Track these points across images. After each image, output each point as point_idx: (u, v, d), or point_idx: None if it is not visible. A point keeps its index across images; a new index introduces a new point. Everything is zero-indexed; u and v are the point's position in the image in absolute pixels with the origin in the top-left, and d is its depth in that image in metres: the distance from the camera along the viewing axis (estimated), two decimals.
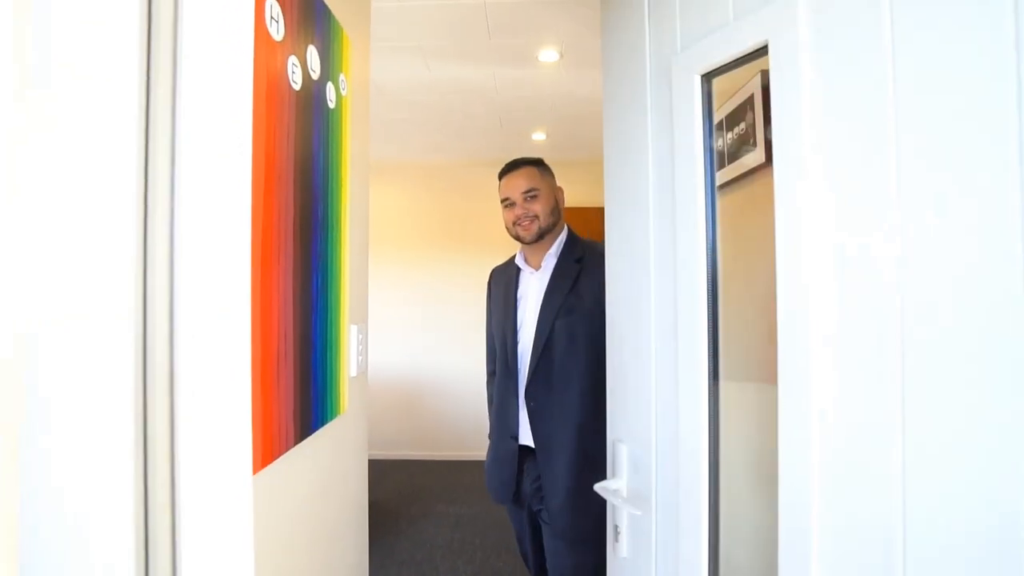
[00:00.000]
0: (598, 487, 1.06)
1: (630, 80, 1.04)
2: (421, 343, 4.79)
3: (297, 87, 0.95)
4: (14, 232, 0.46)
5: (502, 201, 1.67)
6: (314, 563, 1.09)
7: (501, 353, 1.69)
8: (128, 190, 0.54)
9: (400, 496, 3.94)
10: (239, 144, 0.63)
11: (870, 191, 0.63)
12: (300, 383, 0.97)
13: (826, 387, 0.66)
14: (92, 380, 0.51)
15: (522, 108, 3.47)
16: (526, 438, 1.61)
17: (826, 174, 0.67)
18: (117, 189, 0.54)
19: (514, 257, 1.79)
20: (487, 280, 1.88)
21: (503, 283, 1.76)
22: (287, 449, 0.93)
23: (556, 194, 1.68)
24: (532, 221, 1.61)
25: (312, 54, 1.02)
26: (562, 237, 1.69)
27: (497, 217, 4.69)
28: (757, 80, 2.09)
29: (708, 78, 0.88)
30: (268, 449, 0.85)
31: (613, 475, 1.07)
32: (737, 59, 0.80)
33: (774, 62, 0.72)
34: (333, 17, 1.13)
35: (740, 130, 2.20)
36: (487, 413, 1.77)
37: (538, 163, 1.69)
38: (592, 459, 1.48)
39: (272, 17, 0.85)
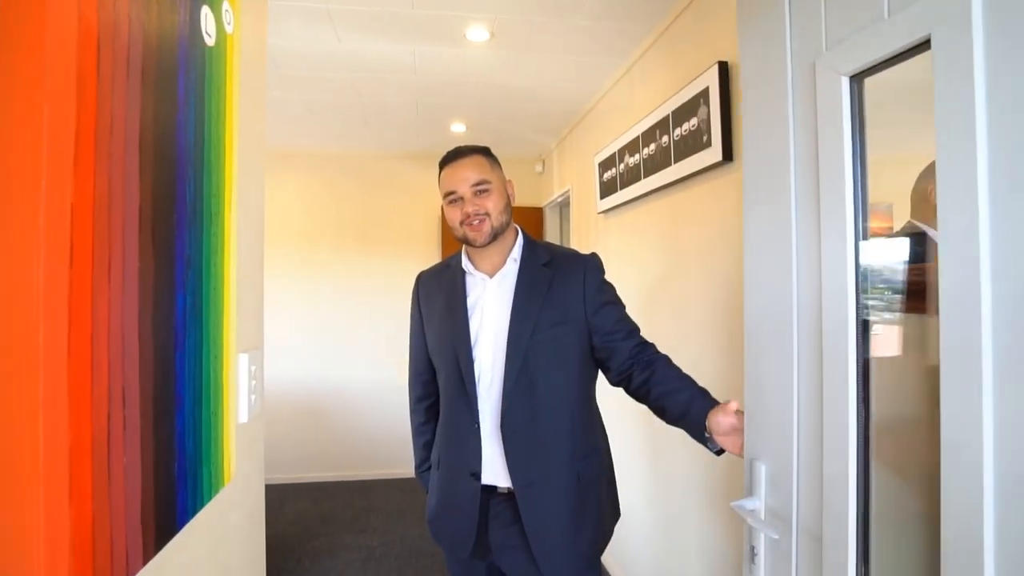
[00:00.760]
0: (734, 505, 1.02)
1: (769, 81, 1.00)
2: (325, 352, 4.31)
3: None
4: None
5: (445, 196, 1.37)
6: None
7: (450, 374, 1.38)
8: None
9: (301, 527, 3.48)
10: None
11: None
12: (155, 461, 0.62)
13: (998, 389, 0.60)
14: None
15: (443, 94, 3.15)
16: (493, 477, 1.33)
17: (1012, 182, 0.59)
18: None
19: (450, 260, 1.49)
20: (413, 286, 1.56)
21: (441, 290, 1.45)
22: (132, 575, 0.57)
23: (508, 188, 1.41)
24: (483, 220, 1.32)
25: None
26: (519, 239, 1.43)
27: (409, 215, 4.41)
28: (713, 72, 1.92)
29: (857, 79, 0.81)
30: None
31: (750, 494, 1.03)
32: (890, 57, 0.75)
33: (938, 58, 0.66)
34: None
35: (691, 126, 2.03)
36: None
37: (486, 152, 1.41)
38: (585, 484, 1.34)
39: None
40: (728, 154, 1.78)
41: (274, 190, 4.18)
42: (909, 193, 0.88)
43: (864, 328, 0.82)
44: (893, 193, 0.90)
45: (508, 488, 1.32)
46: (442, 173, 1.38)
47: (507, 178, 1.42)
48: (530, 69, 2.77)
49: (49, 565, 0.44)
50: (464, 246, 1.42)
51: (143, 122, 0.59)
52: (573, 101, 3.22)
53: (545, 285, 1.34)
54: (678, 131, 2.08)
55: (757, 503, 1.01)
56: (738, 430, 1.09)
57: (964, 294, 0.62)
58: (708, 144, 1.87)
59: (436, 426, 1.50)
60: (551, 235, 4.36)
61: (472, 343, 1.35)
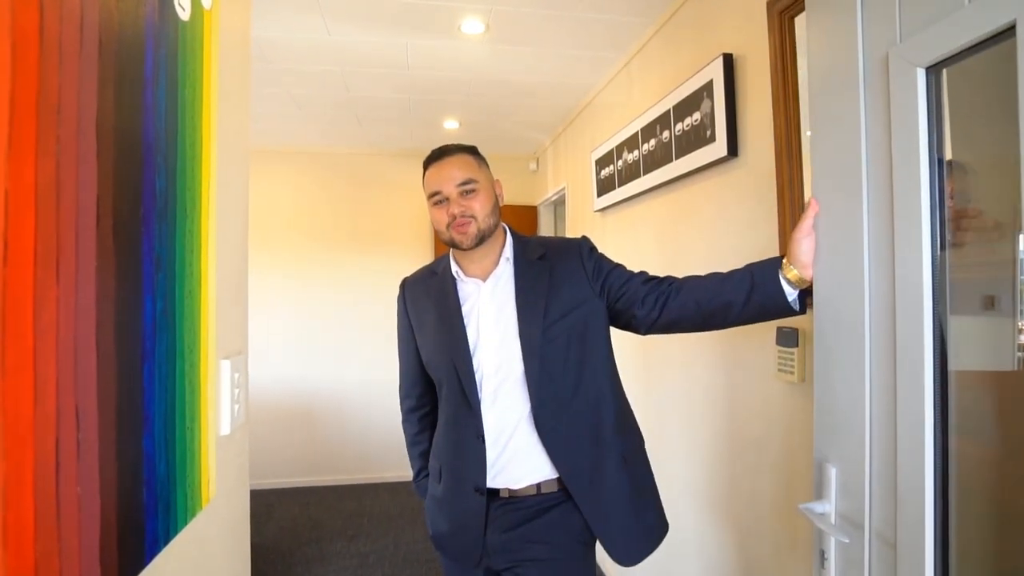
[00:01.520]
0: (802, 508, 0.99)
1: (838, 75, 0.97)
2: (315, 353, 4.22)
3: None
4: None
5: (430, 196, 1.30)
6: None
7: (451, 386, 1.31)
8: None
9: (291, 534, 3.39)
10: None
11: None
12: (119, 490, 0.54)
13: None
14: None
15: (436, 89, 3.07)
16: (502, 481, 1.28)
17: None
18: None
19: (435, 265, 1.41)
20: (398, 293, 1.47)
21: (431, 299, 1.37)
22: None
23: (496, 189, 1.34)
24: (469, 222, 1.25)
25: None
26: (508, 238, 1.37)
27: (401, 214, 4.33)
28: (717, 64, 1.86)
29: (934, 71, 0.78)
30: None
31: (819, 497, 1.01)
32: (970, 47, 0.72)
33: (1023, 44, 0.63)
34: None
35: (694, 120, 1.97)
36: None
37: (473, 151, 1.35)
38: (632, 464, 1.32)
39: None
40: (733, 149, 1.72)
41: (262, 188, 4.09)
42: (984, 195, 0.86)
43: (941, 335, 0.79)
44: (977, 194, 0.87)
45: (510, 492, 1.27)
46: (426, 173, 1.31)
47: (495, 178, 1.36)
48: (525, 64, 2.70)
49: None
50: (451, 250, 1.35)
51: (101, 102, 0.52)
52: (569, 96, 3.16)
53: (545, 278, 1.28)
54: (680, 126, 2.02)
55: (827, 506, 0.99)
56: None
57: None
58: (712, 139, 1.81)
59: (432, 435, 1.43)
60: (545, 234, 4.30)
61: (472, 353, 1.28)
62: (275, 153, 4.17)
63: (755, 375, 1.63)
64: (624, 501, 1.28)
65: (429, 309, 1.37)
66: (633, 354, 2.41)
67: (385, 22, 2.29)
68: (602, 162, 2.82)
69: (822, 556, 1.01)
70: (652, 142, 2.25)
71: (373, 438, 4.21)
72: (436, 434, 1.40)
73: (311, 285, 4.22)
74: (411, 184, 4.32)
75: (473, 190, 1.27)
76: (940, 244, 0.80)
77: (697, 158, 1.90)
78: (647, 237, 2.42)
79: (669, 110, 2.08)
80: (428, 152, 1.36)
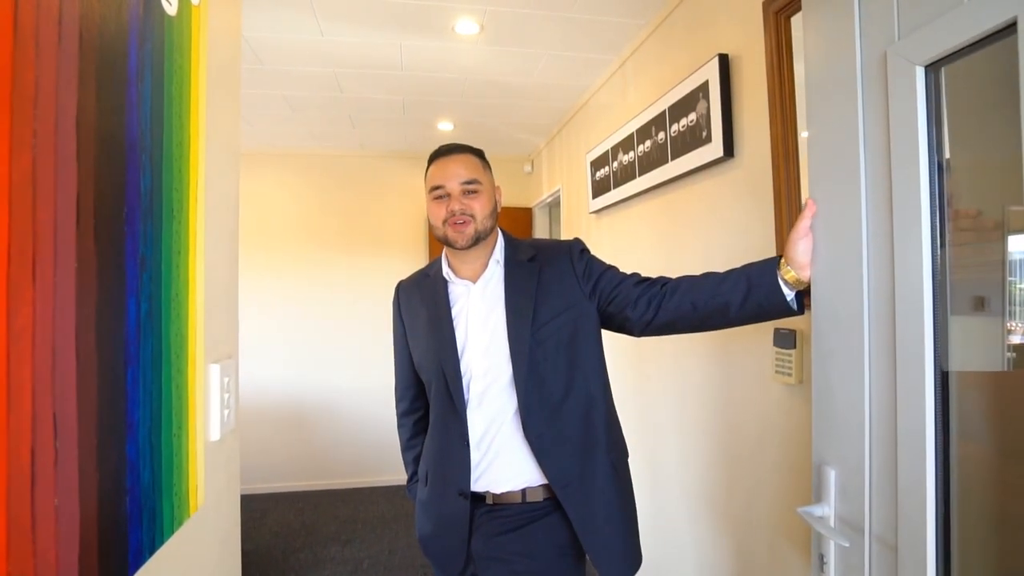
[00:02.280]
0: (800, 512, 0.97)
1: (835, 74, 0.96)
2: (308, 356, 4.18)
3: None
4: None
5: (431, 191, 1.28)
6: None
7: (438, 388, 1.30)
8: None
9: (284, 540, 3.35)
10: None
11: None
12: (100, 500, 0.52)
13: None
14: None
15: (430, 91, 3.05)
16: (485, 485, 1.27)
17: None
18: None
19: (429, 268, 1.41)
20: (393, 297, 1.47)
21: (423, 302, 1.36)
22: None
23: (496, 195, 1.34)
24: (467, 221, 1.24)
25: None
26: (500, 241, 1.36)
27: (394, 216, 4.30)
28: (713, 65, 1.85)
29: (933, 69, 0.78)
30: None
31: (818, 500, 1.00)
32: (969, 45, 0.72)
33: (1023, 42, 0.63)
34: None
35: (690, 121, 1.96)
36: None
37: (479, 154, 1.35)
38: (621, 473, 1.31)
39: None
40: (729, 150, 1.71)
41: (255, 190, 4.06)
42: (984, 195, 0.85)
43: (942, 335, 0.78)
44: (973, 194, 0.86)
45: (493, 498, 1.26)
46: (431, 167, 1.30)
47: (496, 184, 1.35)
48: (520, 65, 2.69)
49: None
50: (444, 252, 1.35)
51: (82, 97, 0.50)
52: (564, 98, 3.15)
53: (535, 280, 1.27)
54: (675, 127, 2.01)
55: (826, 509, 0.98)
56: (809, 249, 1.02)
57: None
58: (708, 140, 1.80)
59: (425, 439, 1.41)
60: (540, 236, 4.28)
61: (459, 355, 1.27)
62: (268, 155, 4.14)
63: (752, 377, 1.62)
64: (614, 511, 1.25)
65: (421, 311, 1.37)
66: (627, 356, 2.40)
67: (378, 22, 2.27)
68: (597, 163, 2.81)
69: (821, 560, 0.99)
70: (647, 143, 2.24)
71: (367, 442, 4.18)
72: (426, 437, 1.39)
73: (304, 288, 4.19)
74: (405, 186, 4.30)
75: (476, 191, 1.26)
76: (940, 244, 0.79)
77: (693, 159, 1.89)
78: (643, 239, 2.41)
79: (665, 111, 2.08)
80: (424, 154, 1.36)
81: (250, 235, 3.89)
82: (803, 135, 1.38)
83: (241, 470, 1.10)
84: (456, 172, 1.26)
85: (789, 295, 1.06)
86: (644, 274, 1.29)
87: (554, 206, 4.03)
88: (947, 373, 0.80)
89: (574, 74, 2.81)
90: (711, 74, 1.76)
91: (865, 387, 0.90)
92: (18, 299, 0.42)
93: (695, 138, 1.87)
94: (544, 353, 1.24)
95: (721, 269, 1.18)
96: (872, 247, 0.89)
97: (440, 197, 1.27)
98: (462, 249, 1.27)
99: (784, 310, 1.08)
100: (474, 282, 1.31)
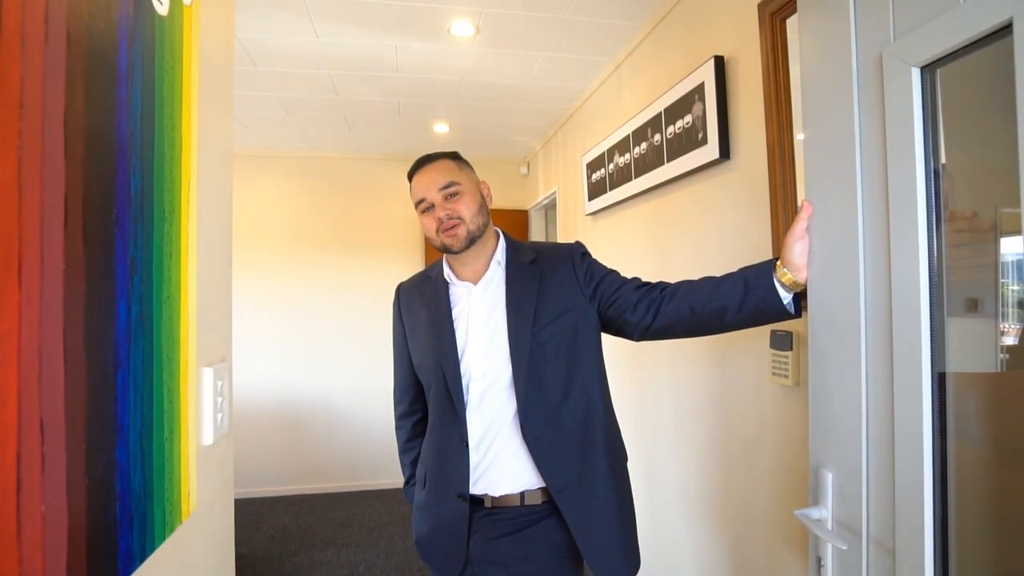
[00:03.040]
0: (798, 514, 0.97)
1: (831, 76, 0.96)
2: (304, 360, 4.16)
3: None
4: None
5: (417, 205, 1.30)
6: None
7: (438, 390, 1.30)
8: None
9: (280, 544, 3.33)
10: None
11: None
12: (88, 507, 0.52)
13: None
14: None
15: (426, 93, 3.05)
16: (483, 487, 1.26)
17: None
18: None
19: (430, 270, 1.41)
20: (393, 299, 1.47)
21: (424, 303, 1.36)
22: None
23: (481, 190, 1.33)
24: (457, 224, 1.24)
25: None
26: (502, 242, 1.36)
27: (390, 219, 4.29)
28: (708, 67, 1.85)
29: (929, 70, 0.78)
30: None
31: (815, 502, 1.00)
32: (965, 46, 0.72)
33: (1020, 44, 0.63)
34: None
35: (686, 123, 1.96)
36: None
37: (454, 156, 1.35)
38: (620, 476, 1.30)
39: None
40: (725, 151, 1.72)
41: (250, 192, 4.04)
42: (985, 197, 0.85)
43: (939, 337, 0.78)
44: (968, 196, 0.86)
45: (492, 501, 1.25)
46: (411, 184, 1.32)
47: (481, 180, 1.35)
48: (516, 67, 2.69)
49: None
50: (444, 255, 1.34)
51: (69, 97, 0.49)
52: (560, 100, 3.15)
53: (536, 281, 1.27)
54: (671, 129, 2.01)
55: (823, 512, 0.97)
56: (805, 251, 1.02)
57: None
58: (704, 141, 1.80)
59: (423, 442, 1.41)
60: (536, 238, 4.28)
61: (459, 356, 1.26)
62: (262, 157, 4.13)
63: (749, 379, 1.61)
64: (612, 514, 1.25)
65: (421, 313, 1.36)
66: (625, 358, 2.40)
67: (374, 24, 2.27)
68: (593, 165, 2.81)
69: (819, 563, 0.99)
70: (643, 145, 2.24)
71: (363, 445, 4.16)
72: (425, 439, 1.38)
73: (299, 290, 4.17)
74: (401, 188, 4.27)
75: (456, 193, 1.26)
76: (936, 245, 0.79)
77: (689, 161, 1.89)
78: (639, 240, 2.41)
79: (660, 113, 2.08)
80: (419, 155, 1.36)
81: (244, 237, 3.88)
82: (799, 137, 1.38)
83: (236, 474, 1.09)
84: (433, 180, 1.26)
85: (786, 298, 1.06)
86: (642, 277, 1.29)
87: (550, 208, 4.03)
88: (944, 375, 0.79)
89: (570, 76, 2.81)
90: (707, 76, 1.76)
91: (862, 389, 0.90)
92: (3, 302, 0.41)
93: (691, 140, 1.88)
94: (544, 355, 1.23)
95: (718, 271, 1.18)
96: (868, 249, 0.89)
97: (426, 209, 1.28)
98: (460, 252, 1.27)
99: (781, 313, 1.08)
100: (475, 284, 1.31)
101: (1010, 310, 0.82)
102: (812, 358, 1.02)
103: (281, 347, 4.12)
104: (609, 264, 1.34)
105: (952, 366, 0.80)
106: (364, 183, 4.28)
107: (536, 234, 4.30)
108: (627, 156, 2.40)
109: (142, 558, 0.63)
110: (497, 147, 4.08)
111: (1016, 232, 0.77)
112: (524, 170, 4.39)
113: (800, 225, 1.02)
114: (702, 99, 1.80)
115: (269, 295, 4.10)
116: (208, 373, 0.89)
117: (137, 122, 0.62)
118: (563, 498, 1.21)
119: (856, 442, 0.91)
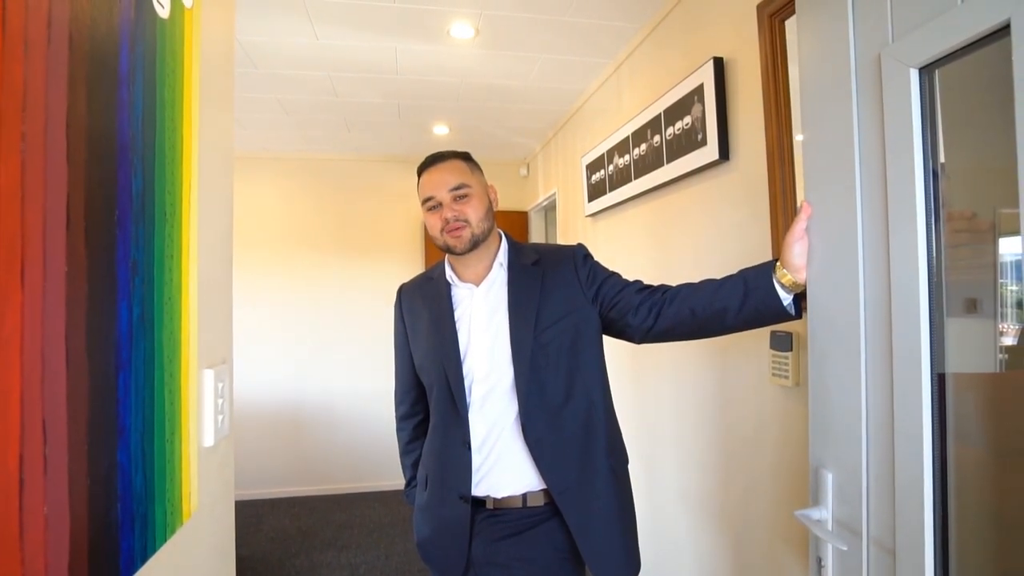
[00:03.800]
0: (798, 515, 0.97)
1: (829, 77, 0.96)
2: (304, 361, 4.16)
3: None
4: None
5: (424, 203, 1.29)
6: None
7: (440, 391, 1.29)
8: None
9: (281, 545, 3.33)
10: None
11: None
12: (90, 507, 0.52)
13: None
14: None
15: (426, 94, 3.05)
16: (485, 489, 1.26)
17: None
18: None
19: (432, 271, 1.41)
20: (395, 300, 1.46)
21: (426, 304, 1.36)
22: None
23: (489, 193, 1.34)
24: (463, 227, 1.24)
25: None
26: (504, 243, 1.36)
27: (390, 220, 4.30)
28: (708, 69, 1.86)
29: (927, 71, 0.78)
30: None
31: (815, 503, 1.00)
32: (963, 47, 0.72)
33: (1019, 45, 0.63)
34: None
35: (685, 124, 1.96)
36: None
37: (466, 157, 1.34)
38: (621, 478, 1.30)
39: None
40: (724, 152, 1.72)
41: (250, 194, 4.04)
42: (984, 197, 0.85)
43: (938, 337, 0.78)
44: (967, 196, 0.86)
45: (494, 503, 1.25)
46: (420, 180, 1.31)
47: (489, 183, 1.35)
48: (515, 68, 2.70)
49: None
50: (447, 255, 1.34)
51: (72, 99, 0.49)
52: (560, 101, 3.15)
53: (538, 283, 1.27)
54: (671, 130, 2.01)
55: (824, 512, 0.97)
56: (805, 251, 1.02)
57: None
58: (703, 143, 1.80)
59: (424, 443, 1.40)
60: (536, 240, 4.28)
61: (462, 358, 1.26)
62: (263, 159, 4.13)
63: (749, 379, 1.62)
64: (612, 517, 1.25)
65: (423, 314, 1.36)
66: (625, 360, 2.40)
67: (374, 26, 2.27)
68: (593, 167, 2.82)
69: (819, 563, 0.99)
70: (643, 146, 2.24)
71: (364, 447, 4.16)
72: (426, 441, 1.38)
73: (300, 292, 4.18)
74: (401, 190, 4.29)
75: (466, 195, 1.26)
76: (935, 246, 0.79)
77: (688, 162, 1.90)
78: (639, 241, 2.41)
79: (660, 114, 2.08)
80: (419, 158, 1.36)
81: (245, 239, 3.88)
82: (798, 138, 1.38)
83: (236, 475, 1.09)
84: (444, 180, 1.26)
85: (786, 299, 1.06)
86: (641, 278, 1.29)
87: (550, 209, 4.03)
88: (943, 375, 0.79)
89: (569, 78, 2.81)
90: (706, 77, 1.77)
91: (862, 389, 0.90)
92: (6, 304, 0.41)
93: (690, 141, 1.88)
94: (546, 357, 1.23)
95: (718, 272, 1.18)
96: (868, 249, 0.89)
97: (433, 208, 1.27)
98: (462, 254, 1.27)
99: (781, 314, 1.08)
100: (477, 285, 1.31)
101: (1009, 310, 0.82)
102: (812, 359, 1.02)
103: (281, 348, 4.12)
104: (609, 266, 1.34)
105: (951, 366, 0.80)
106: (364, 184, 4.29)
107: (536, 236, 4.31)
108: (627, 157, 2.40)
109: (143, 559, 0.63)
110: (497, 149, 4.08)
111: (1015, 232, 0.77)
112: (524, 171, 4.39)
113: (799, 226, 1.02)
114: (701, 100, 1.80)
115: (269, 297, 4.10)
116: (209, 375, 0.89)
117: (138, 124, 0.62)
118: (564, 500, 1.21)
119: (856, 442, 0.91)
